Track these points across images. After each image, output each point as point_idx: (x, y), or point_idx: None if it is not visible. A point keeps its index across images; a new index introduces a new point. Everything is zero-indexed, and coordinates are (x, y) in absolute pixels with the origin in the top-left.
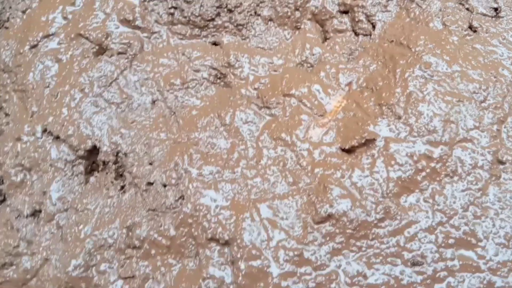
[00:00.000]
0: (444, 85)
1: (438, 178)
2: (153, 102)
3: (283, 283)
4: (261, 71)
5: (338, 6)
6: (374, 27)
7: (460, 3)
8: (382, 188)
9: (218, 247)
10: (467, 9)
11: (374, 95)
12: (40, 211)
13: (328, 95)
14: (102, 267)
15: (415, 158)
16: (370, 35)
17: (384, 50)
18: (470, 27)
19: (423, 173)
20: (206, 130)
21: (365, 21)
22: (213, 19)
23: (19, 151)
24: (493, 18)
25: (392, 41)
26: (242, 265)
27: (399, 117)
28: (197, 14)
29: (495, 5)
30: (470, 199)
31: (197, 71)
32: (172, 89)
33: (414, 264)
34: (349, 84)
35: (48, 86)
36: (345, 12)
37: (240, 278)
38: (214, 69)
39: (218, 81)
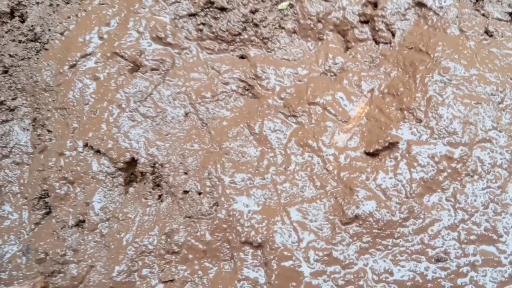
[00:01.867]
0: (463, 89)
1: (459, 178)
2: (186, 114)
3: (314, 282)
4: (286, 81)
5: (358, 17)
6: (393, 35)
7: (476, 9)
8: (405, 189)
9: (251, 250)
10: (483, 14)
11: (396, 100)
12: (84, 221)
13: (352, 102)
14: (144, 272)
15: (436, 159)
16: (390, 43)
17: (404, 57)
18: (486, 31)
19: (445, 173)
20: (237, 140)
21: (385, 29)
22: (239, 34)
23: (63, 165)
24: (508, 23)
25: (412, 48)
26: (274, 266)
27: (420, 121)
28: (224, 29)
29: (510, 10)
30: (490, 197)
31: (226, 83)
32: (203, 101)
33: (438, 260)
34: (371, 90)
35: (87, 103)
36: (366, 22)
37: (273, 278)
38: (242, 81)
39: (246, 92)
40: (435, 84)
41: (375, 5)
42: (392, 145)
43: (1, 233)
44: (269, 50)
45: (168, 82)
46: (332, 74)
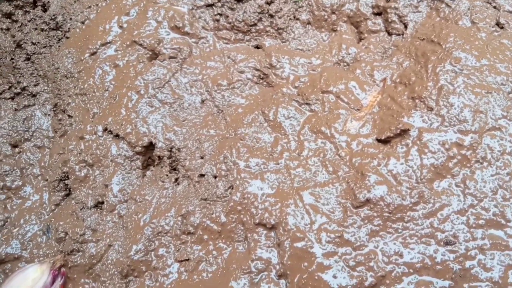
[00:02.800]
0: (473, 78)
1: (468, 164)
2: (202, 101)
3: (326, 262)
4: (300, 70)
5: (371, 9)
6: (406, 27)
7: (488, 2)
8: (416, 174)
9: (265, 231)
10: (494, 7)
11: (408, 89)
12: (102, 202)
13: (364, 91)
14: (160, 251)
15: (447, 146)
16: (403, 34)
17: (416, 47)
18: (497, 23)
19: (455, 160)
20: (252, 126)
21: (398, 21)
22: (255, 24)
23: (83, 148)
24: None
25: (424, 39)
26: (287, 247)
27: (432, 109)
28: (240, 20)
29: None
30: (499, 183)
31: (242, 72)
32: (219, 89)
33: (447, 243)
34: (384, 80)
35: (107, 90)
36: (379, 14)
37: (285, 258)
38: (257, 70)
39: (261, 81)
40: (446, 73)
41: None
42: (403, 132)
43: (23, 213)
44: (283, 41)
45: (186, 70)
46: (345, 64)
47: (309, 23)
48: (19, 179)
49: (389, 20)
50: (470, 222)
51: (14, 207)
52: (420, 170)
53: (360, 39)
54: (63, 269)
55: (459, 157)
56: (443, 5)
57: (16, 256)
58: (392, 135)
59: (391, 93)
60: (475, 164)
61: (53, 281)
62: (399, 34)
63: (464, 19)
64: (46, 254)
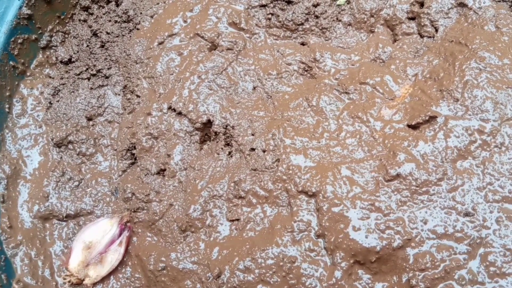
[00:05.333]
0: (496, 75)
1: (488, 148)
2: (254, 88)
3: (359, 225)
4: (341, 65)
5: (406, 14)
6: (437, 30)
7: (511, 10)
8: (441, 155)
9: (306, 198)
10: None
11: (436, 83)
12: (164, 169)
13: (398, 84)
14: (214, 212)
15: (469, 131)
16: (433, 37)
17: (445, 48)
18: None
19: (476, 144)
20: (297, 110)
21: (429, 25)
22: (302, 24)
23: (149, 123)
24: None
25: (452, 41)
26: (325, 211)
27: (457, 100)
28: (289, 19)
29: None
30: None
31: (289, 64)
32: (269, 78)
33: (466, 214)
34: (415, 75)
35: (172, 74)
36: (413, 19)
37: (324, 221)
38: (303, 63)
39: (306, 73)
40: (471, 70)
41: (421, 4)
42: (431, 119)
43: (95, 176)
44: (327, 39)
45: (240, 60)
46: (381, 60)
47: (350, 24)
48: (92, 147)
49: (422, 24)
50: (488, 198)
51: (88, 170)
52: (445, 151)
53: (395, 40)
54: (129, 224)
55: (480, 142)
56: (471, 12)
57: (89, 211)
58: (421, 121)
59: (421, 86)
60: (494, 148)
61: (120, 234)
62: (430, 37)
63: (489, 24)
64: (114, 211)
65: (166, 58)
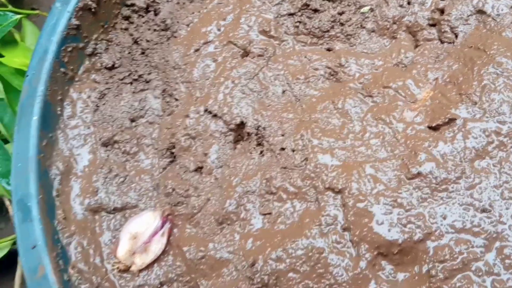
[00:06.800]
0: None
1: (505, 149)
2: (283, 92)
3: (382, 219)
4: (365, 70)
5: (427, 21)
6: (456, 36)
7: None
8: (460, 155)
9: (333, 194)
10: None
11: (456, 87)
12: (202, 167)
13: (419, 88)
14: (248, 206)
15: (487, 133)
16: (453, 42)
17: (464, 54)
18: None
19: (493, 145)
20: (323, 112)
21: (450, 32)
22: (328, 31)
23: (187, 125)
24: None
25: (471, 46)
26: (351, 206)
27: (475, 103)
28: (316, 27)
29: None
30: None
31: (316, 69)
32: (297, 82)
33: (483, 211)
34: (436, 79)
35: (208, 79)
36: (433, 25)
37: (349, 215)
38: (329, 68)
39: (331, 77)
40: (489, 75)
41: (442, 11)
42: (451, 121)
43: (139, 173)
44: (351, 45)
45: (270, 66)
46: (403, 65)
47: (373, 31)
48: (135, 146)
49: (442, 31)
50: (504, 195)
51: (132, 167)
52: (464, 151)
53: (417, 46)
54: (170, 217)
55: (497, 142)
56: (490, 19)
57: (133, 204)
58: (441, 123)
59: (441, 90)
60: (510, 149)
61: (163, 225)
62: (450, 43)
63: (507, 31)
64: (156, 204)
65: (202, 64)
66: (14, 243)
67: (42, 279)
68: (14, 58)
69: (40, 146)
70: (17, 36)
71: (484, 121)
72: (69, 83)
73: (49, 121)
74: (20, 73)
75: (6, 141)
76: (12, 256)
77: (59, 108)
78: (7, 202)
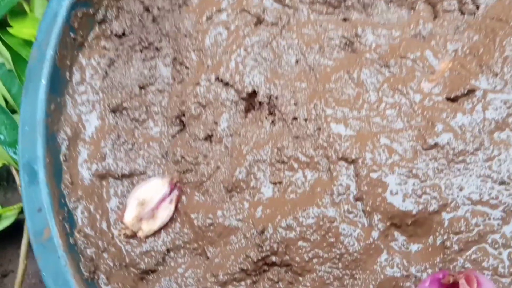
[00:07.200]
0: None
1: None
2: (297, 61)
3: (396, 190)
4: (382, 40)
5: None
6: (478, 8)
7: None
8: (479, 126)
9: (346, 164)
10: None
11: (476, 59)
12: (212, 135)
13: (438, 59)
14: (258, 175)
15: (507, 104)
16: (474, 14)
17: (486, 25)
18: None
19: None
20: (338, 82)
21: (471, 3)
22: (345, 0)
23: (198, 93)
24: None
25: (493, 18)
26: (364, 176)
27: (496, 74)
28: None
29: None
30: None
31: (331, 39)
32: (311, 52)
33: (501, 183)
34: (455, 50)
35: (220, 47)
36: None
37: (362, 185)
38: (344, 38)
39: (347, 47)
40: (511, 46)
41: None
42: (470, 92)
43: (147, 140)
44: (368, 15)
45: (284, 34)
46: (421, 36)
47: (391, 1)
48: (144, 114)
49: (463, 2)
50: None
51: (140, 135)
52: (483, 123)
53: (436, 17)
54: (178, 184)
55: None
56: None
57: (141, 171)
58: (460, 94)
59: (461, 61)
60: None
61: (171, 192)
62: (471, 14)
63: None
64: (164, 172)
65: (214, 32)
66: (21, 212)
67: (48, 242)
68: (23, 29)
69: (48, 110)
70: (26, 7)
71: (505, 93)
72: (78, 49)
73: (58, 85)
74: (29, 44)
75: (13, 111)
76: (18, 225)
77: (67, 73)
78: (14, 171)
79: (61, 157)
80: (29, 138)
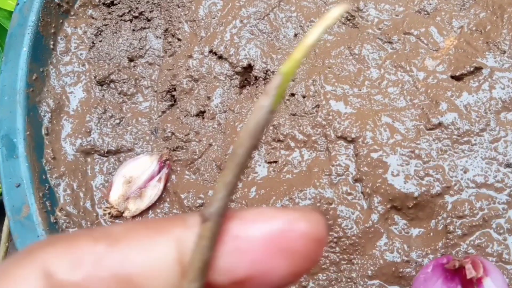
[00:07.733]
0: None
1: None
2: (295, 35)
3: (397, 171)
4: (385, 15)
5: None
6: None
7: None
8: (485, 105)
9: (345, 144)
10: None
11: (483, 36)
12: (204, 111)
13: (442, 35)
14: (253, 153)
15: None
16: None
17: (493, 1)
18: None
19: None
20: (338, 58)
21: None
22: None
23: (190, 66)
24: None
25: None
26: (364, 156)
27: (504, 52)
28: None
29: None
30: None
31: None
32: (310, 25)
33: (507, 165)
34: (461, 27)
35: (214, 18)
36: None
37: (361, 165)
38: (346, 12)
39: (348, 22)
40: None
41: None
42: (476, 70)
43: (136, 115)
44: None
45: (283, 6)
46: (426, 12)
47: None
48: (133, 87)
49: None
50: None
51: (128, 109)
52: (489, 102)
53: None
54: (168, 162)
55: None
56: None
57: (129, 148)
58: (466, 72)
59: (467, 38)
60: None
61: (160, 171)
62: None
63: None
64: (154, 149)
65: (208, 2)
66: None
67: (27, 220)
68: (8, 0)
69: (29, 79)
70: None
71: None
72: (63, 16)
73: (40, 54)
74: None
75: None
76: (1, 206)
77: (51, 42)
78: None
79: (43, 131)
80: (8, 108)
